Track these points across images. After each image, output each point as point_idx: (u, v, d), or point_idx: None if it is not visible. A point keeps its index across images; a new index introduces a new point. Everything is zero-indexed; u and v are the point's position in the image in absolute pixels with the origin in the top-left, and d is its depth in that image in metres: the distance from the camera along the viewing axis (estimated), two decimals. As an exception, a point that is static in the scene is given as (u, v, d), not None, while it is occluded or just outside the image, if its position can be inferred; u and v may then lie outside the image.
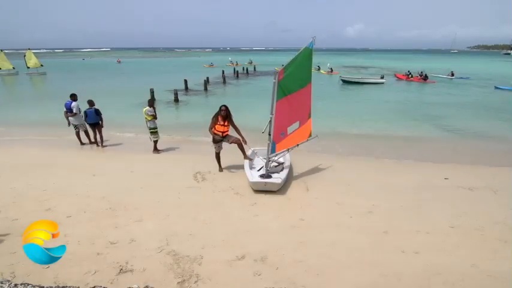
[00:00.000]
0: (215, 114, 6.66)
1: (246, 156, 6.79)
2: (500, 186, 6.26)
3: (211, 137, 6.77)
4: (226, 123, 6.62)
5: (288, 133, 6.46)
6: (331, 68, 37.81)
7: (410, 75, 31.03)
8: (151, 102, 8.39)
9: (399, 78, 31.66)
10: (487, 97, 21.17)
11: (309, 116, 6.81)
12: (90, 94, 10.35)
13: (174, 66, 54.02)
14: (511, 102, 19.14)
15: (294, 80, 6.06)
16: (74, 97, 8.87)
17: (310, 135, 6.92)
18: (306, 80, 6.40)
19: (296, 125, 6.56)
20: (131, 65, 58.03)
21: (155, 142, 8.57)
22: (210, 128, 6.69)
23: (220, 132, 6.66)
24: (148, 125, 8.27)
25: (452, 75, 33.06)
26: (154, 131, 8.37)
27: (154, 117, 8.24)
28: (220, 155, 7.06)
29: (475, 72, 39.15)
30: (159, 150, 8.68)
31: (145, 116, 8.17)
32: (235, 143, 6.68)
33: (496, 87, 24.59)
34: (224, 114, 6.54)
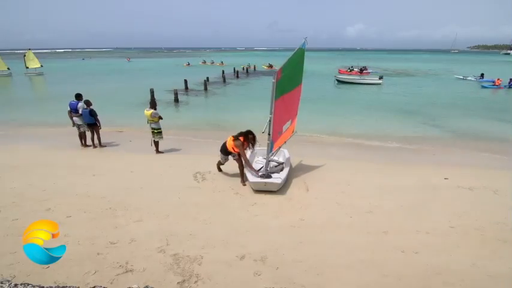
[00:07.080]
0: (241, 142, 6.10)
1: (242, 180, 6.31)
2: (500, 186, 6.26)
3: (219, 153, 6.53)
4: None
5: (283, 131, 6.57)
6: (270, 64, 44.46)
7: (350, 70, 36.79)
8: (155, 104, 8.36)
9: (341, 73, 35.20)
10: (478, 96, 21.95)
11: (296, 114, 7.16)
12: (89, 94, 10.35)
13: (175, 65, 54.91)
14: (499, 101, 19.97)
15: (290, 80, 6.13)
16: (79, 97, 8.82)
17: (293, 132, 7.24)
18: (299, 79, 6.66)
19: (288, 123, 6.75)
20: (137, 64, 62.01)
21: (157, 143, 8.57)
22: (247, 161, 6.16)
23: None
24: (154, 126, 8.25)
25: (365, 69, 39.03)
26: (159, 131, 8.38)
27: (160, 118, 8.27)
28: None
29: (472, 71, 39.46)
30: (160, 150, 8.68)
31: (151, 119, 8.11)
32: (238, 162, 6.31)
33: (483, 86, 25.92)
34: (253, 143, 6.30)
